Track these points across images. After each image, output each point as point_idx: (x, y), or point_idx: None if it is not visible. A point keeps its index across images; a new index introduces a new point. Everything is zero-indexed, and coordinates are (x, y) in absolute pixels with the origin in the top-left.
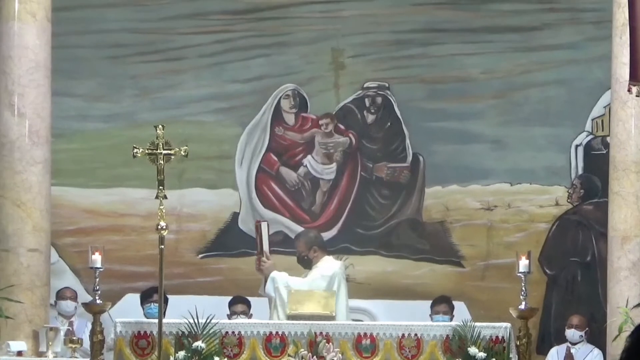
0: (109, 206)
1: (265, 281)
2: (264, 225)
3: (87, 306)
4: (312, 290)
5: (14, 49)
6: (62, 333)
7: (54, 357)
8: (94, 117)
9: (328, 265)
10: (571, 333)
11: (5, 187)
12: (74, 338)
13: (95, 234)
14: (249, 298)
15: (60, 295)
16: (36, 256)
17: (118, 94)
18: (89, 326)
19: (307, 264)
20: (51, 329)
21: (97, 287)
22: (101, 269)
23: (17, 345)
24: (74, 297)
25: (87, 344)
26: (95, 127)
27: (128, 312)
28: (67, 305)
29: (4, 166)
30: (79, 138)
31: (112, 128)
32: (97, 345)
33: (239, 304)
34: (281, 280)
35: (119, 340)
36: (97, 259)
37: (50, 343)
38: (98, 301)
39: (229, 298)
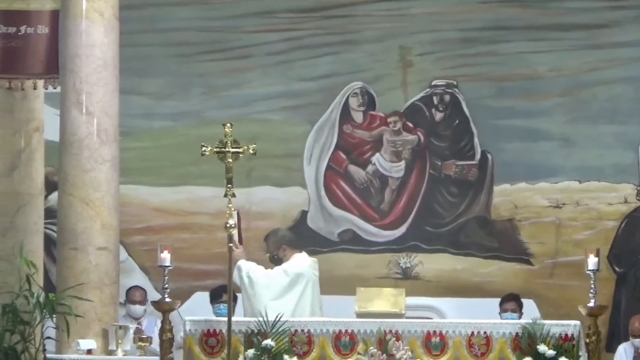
0: (177, 204)
1: None
2: (235, 215)
3: (156, 304)
4: (381, 288)
5: (81, 48)
6: (131, 331)
7: (124, 355)
8: (161, 115)
9: (295, 263)
10: (638, 342)
11: (74, 186)
12: (144, 336)
13: (164, 232)
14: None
15: (130, 298)
16: (105, 254)
17: (186, 92)
18: (158, 324)
19: (279, 263)
20: (120, 327)
21: (166, 285)
22: (170, 267)
23: (86, 343)
24: (144, 300)
25: (156, 342)
26: (163, 125)
27: (197, 310)
28: (137, 309)
29: (72, 164)
30: (147, 136)
31: (180, 126)
32: (167, 343)
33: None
34: (245, 269)
35: (188, 339)
36: (166, 257)
37: (119, 341)
38: (167, 299)
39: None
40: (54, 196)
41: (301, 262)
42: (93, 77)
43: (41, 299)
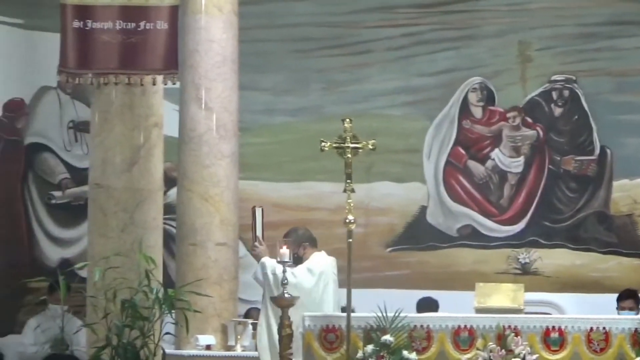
0: (296, 200)
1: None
2: (258, 211)
3: (275, 300)
4: (500, 284)
5: (200, 43)
6: (250, 327)
7: (242, 350)
8: (281, 111)
9: (317, 261)
10: None
11: (193, 181)
12: None
13: (283, 228)
14: (436, 292)
15: None
16: (224, 250)
17: (305, 88)
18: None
19: (299, 262)
20: (240, 322)
21: (285, 281)
22: (289, 263)
23: (205, 339)
24: None
25: (275, 337)
26: (283, 121)
27: None
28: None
29: (191, 160)
30: (266, 132)
31: (299, 122)
32: (286, 339)
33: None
34: (270, 266)
35: (307, 334)
36: (285, 252)
37: (238, 337)
38: (286, 295)
39: (418, 292)
40: (173, 192)
41: (323, 261)
42: (212, 72)
43: (160, 295)
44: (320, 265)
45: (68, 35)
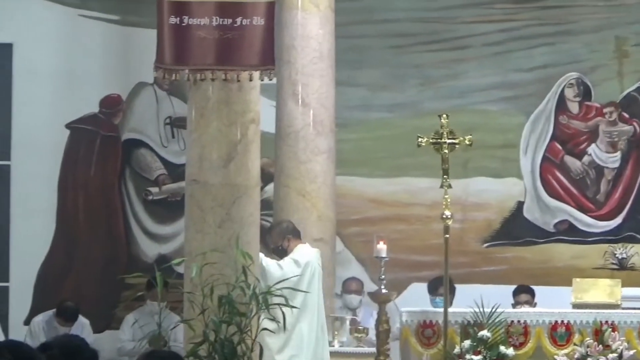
0: (393, 196)
1: None
2: None
3: (372, 295)
4: (597, 279)
5: (297, 39)
6: (347, 323)
7: (340, 346)
8: (377, 107)
9: (302, 252)
10: None
11: (290, 177)
12: (360, 327)
13: (380, 224)
14: (534, 287)
15: (346, 288)
16: (321, 246)
17: (402, 84)
18: (375, 315)
19: (283, 254)
20: (337, 318)
21: (383, 277)
22: (386, 259)
23: None
24: (360, 290)
25: (372, 333)
26: (379, 117)
27: (413, 301)
28: (353, 299)
29: (288, 156)
30: (363, 127)
31: (396, 117)
32: (383, 334)
33: (523, 293)
34: (262, 259)
35: (404, 330)
36: (382, 248)
37: (336, 332)
38: (384, 290)
39: (514, 287)
40: (270, 187)
41: (307, 252)
42: (309, 68)
43: (257, 291)
44: (306, 256)
45: (165, 32)
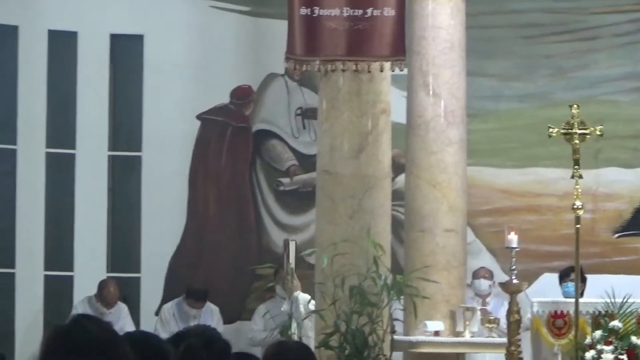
0: (524, 186)
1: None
2: (291, 244)
3: (503, 286)
4: None
5: (427, 30)
6: (478, 313)
7: (471, 336)
8: (508, 97)
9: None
10: None
11: (421, 167)
12: (491, 318)
13: (511, 214)
14: None
15: (475, 274)
16: (452, 236)
17: (532, 74)
18: (506, 306)
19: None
20: (468, 309)
21: (514, 267)
22: (517, 249)
23: (434, 325)
24: (490, 277)
25: (504, 323)
26: (510, 107)
27: (545, 291)
28: (481, 284)
29: (419, 146)
30: (493, 118)
31: (526, 108)
32: (514, 325)
33: None
34: (303, 301)
35: (535, 320)
36: (513, 238)
37: (467, 323)
38: (514, 281)
39: None
40: (401, 178)
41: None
42: (440, 59)
43: (388, 281)
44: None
45: (295, 23)
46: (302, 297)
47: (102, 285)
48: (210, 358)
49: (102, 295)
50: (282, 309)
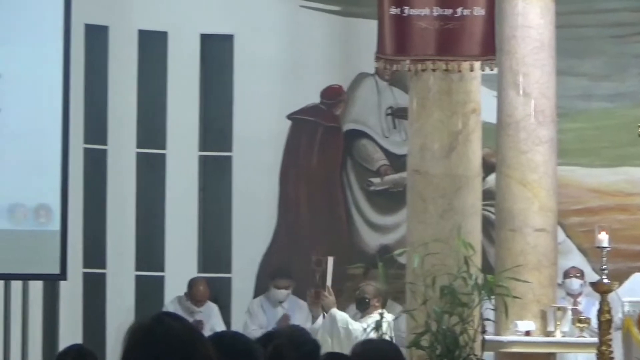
0: (614, 185)
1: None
2: (330, 260)
3: (594, 285)
4: None
5: (517, 29)
6: (569, 312)
7: (562, 336)
8: (598, 97)
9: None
10: None
11: (511, 167)
12: (582, 317)
13: (602, 213)
14: None
15: (566, 273)
16: (543, 236)
17: (623, 73)
18: (597, 305)
19: (363, 308)
20: (559, 308)
21: (604, 267)
22: (608, 248)
23: (525, 324)
24: (581, 276)
25: (595, 323)
26: (600, 107)
27: (635, 291)
28: (572, 283)
29: (509, 146)
30: (584, 117)
31: (617, 107)
32: (605, 325)
33: None
34: (342, 319)
35: (626, 320)
36: (603, 238)
37: (557, 322)
38: (605, 280)
39: None
40: (491, 178)
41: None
42: (529, 58)
43: (479, 281)
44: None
45: (385, 22)
46: (341, 316)
47: (192, 283)
48: (299, 358)
49: (192, 293)
50: (315, 325)
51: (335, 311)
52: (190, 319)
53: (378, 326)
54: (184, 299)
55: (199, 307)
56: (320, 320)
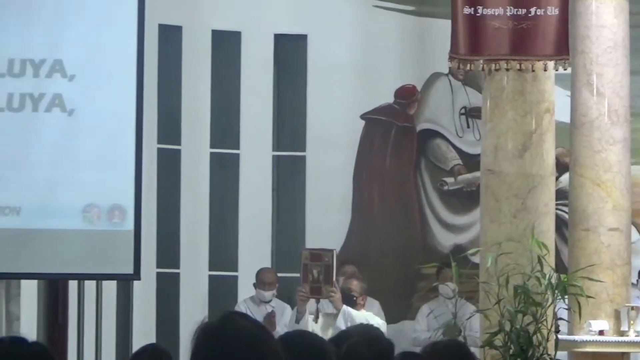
0: None
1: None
2: (334, 254)
3: None
4: None
5: (591, 28)
6: None
7: (636, 336)
8: None
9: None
10: None
11: (585, 167)
12: None
13: None
14: None
15: None
16: (617, 235)
17: None
18: None
19: (350, 304)
20: (632, 308)
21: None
22: None
23: (598, 324)
24: None
25: None
26: None
27: None
28: None
29: (583, 145)
30: None
31: None
32: None
33: None
34: (358, 316)
35: None
36: None
37: (631, 322)
38: None
39: None
40: (565, 177)
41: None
42: (603, 58)
43: (553, 280)
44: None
45: (459, 22)
46: (356, 313)
47: (259, 271)
48: (373, 358)
49: (260, 277)
50: (300, 324)
51: (348, 308)
52: (261, 315)
53: (448, 329)
54: (254, 293)
55: (268, 291)
56: (307, 318)
